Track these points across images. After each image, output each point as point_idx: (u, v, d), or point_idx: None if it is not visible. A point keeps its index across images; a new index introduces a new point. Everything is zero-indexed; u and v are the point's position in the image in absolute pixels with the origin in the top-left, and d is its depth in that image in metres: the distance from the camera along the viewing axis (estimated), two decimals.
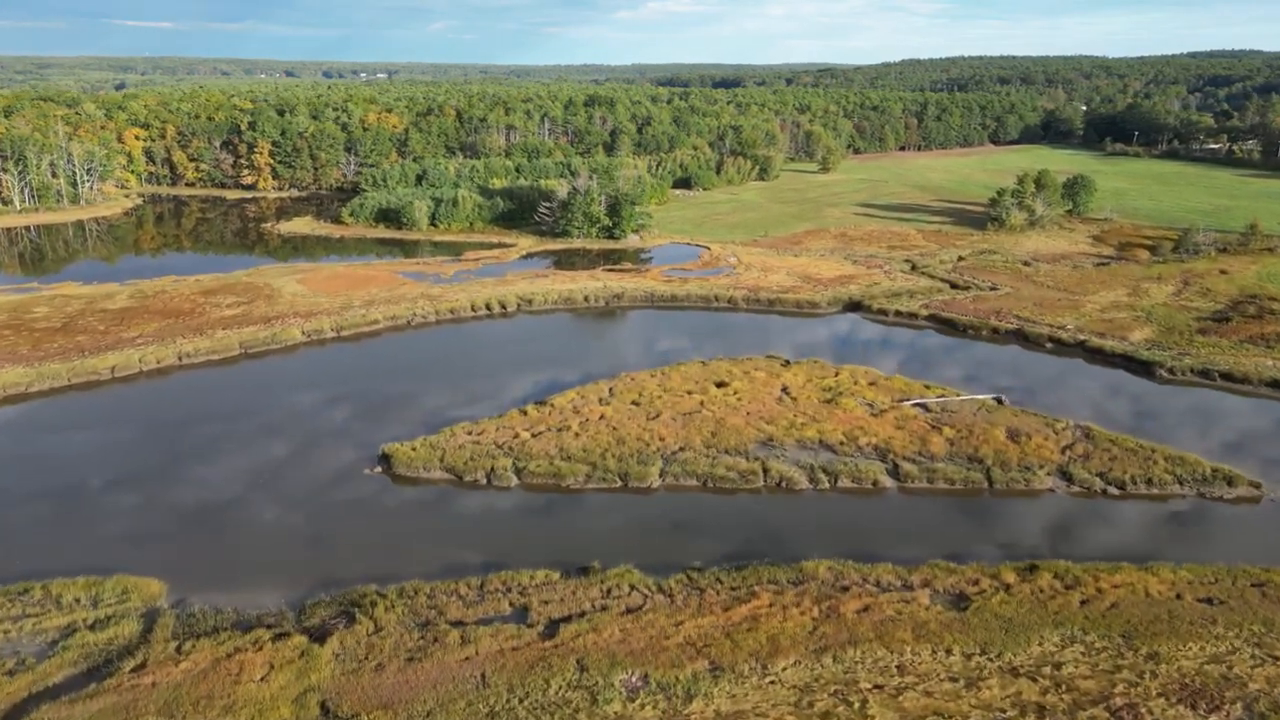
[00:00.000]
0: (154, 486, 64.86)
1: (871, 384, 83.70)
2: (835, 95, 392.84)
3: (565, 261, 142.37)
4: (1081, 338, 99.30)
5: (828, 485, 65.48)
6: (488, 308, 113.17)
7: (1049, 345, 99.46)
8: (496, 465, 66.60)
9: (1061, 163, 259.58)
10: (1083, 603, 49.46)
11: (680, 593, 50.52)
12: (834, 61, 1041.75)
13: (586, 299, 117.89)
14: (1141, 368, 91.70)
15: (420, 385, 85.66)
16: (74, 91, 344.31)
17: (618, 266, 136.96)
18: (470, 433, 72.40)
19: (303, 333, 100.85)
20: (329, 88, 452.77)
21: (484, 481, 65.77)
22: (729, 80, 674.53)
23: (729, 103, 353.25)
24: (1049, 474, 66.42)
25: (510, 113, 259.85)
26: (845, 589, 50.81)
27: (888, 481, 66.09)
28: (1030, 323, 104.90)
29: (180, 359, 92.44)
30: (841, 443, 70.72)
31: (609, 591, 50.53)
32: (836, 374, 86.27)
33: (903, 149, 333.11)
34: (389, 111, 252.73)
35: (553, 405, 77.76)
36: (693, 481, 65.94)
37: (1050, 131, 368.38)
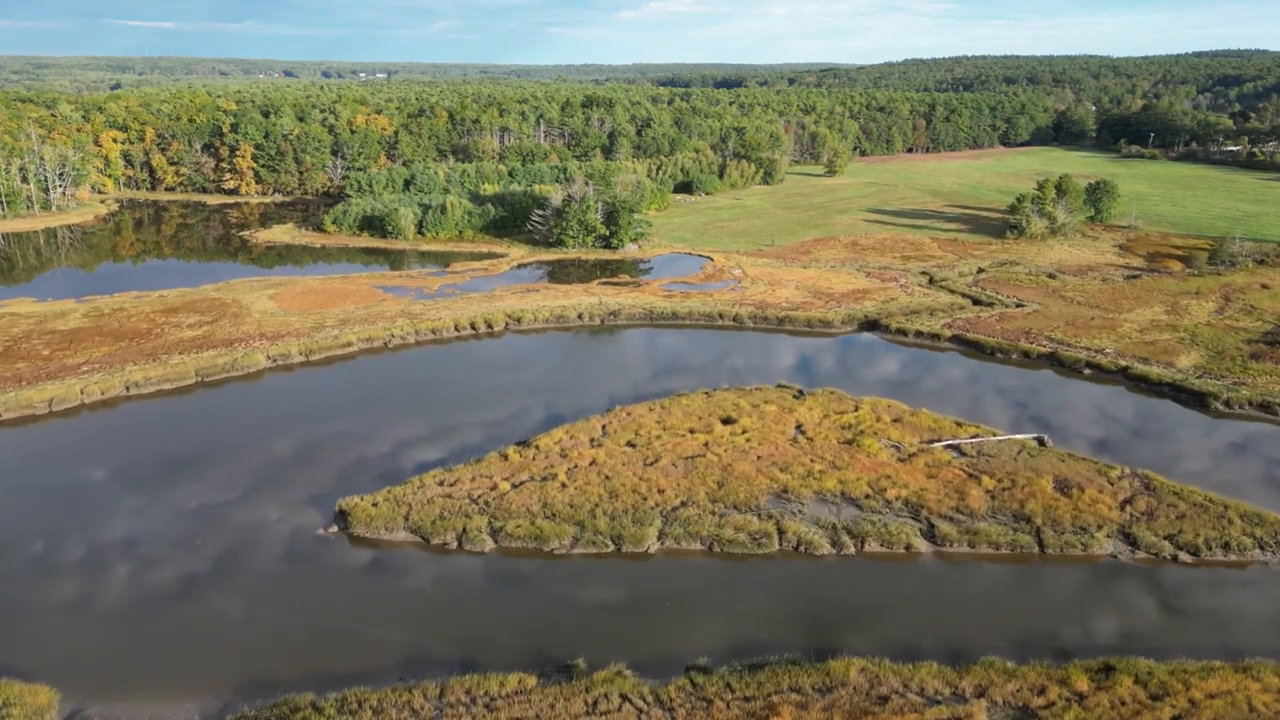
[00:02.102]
0: (61, 554, 55.60)
1: (896, 420, 74.64)
2: (841, 96, 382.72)
3: (559, 273, 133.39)
4: (1124, 363, 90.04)
5: (853, 549, 56.41)
6: (473, 327, 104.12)
7: (1087, 371, 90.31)
8: (469, 526, 57.55)
9: (1076, 165, 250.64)
10: None
11: (683, 705, 41.44)
12: (836, 61, 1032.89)
13: (580, 316, 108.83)
14: (1193, 399, 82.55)
15: (389, 421, 76.45)
16: (54, 92, 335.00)
17: (615, 279, 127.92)
18: (442, 482, 63.33)
19: (267, 357, 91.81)
20: (321, 88, 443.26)
21: (454, 545, 56.72)
22: (731, 80, 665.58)
23: (731, 103, 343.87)
24: (1109, 536, 57.28)
25: (504, 114, 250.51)
26: (884, 700, 41.72)
27: (922, 545, 56.99)
28: (1065, 345, 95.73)
29: (128, 389, 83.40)
30: (867, 495, 61.64)
31: (595, 704, 41.45)
32: (856, 408, 77.22)
33: (910, 151, 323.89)
34: (378, 113, 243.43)
35: (538, 447, 68.74)
36: (696, 545, 56.88)
37: (1062, 133, 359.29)
